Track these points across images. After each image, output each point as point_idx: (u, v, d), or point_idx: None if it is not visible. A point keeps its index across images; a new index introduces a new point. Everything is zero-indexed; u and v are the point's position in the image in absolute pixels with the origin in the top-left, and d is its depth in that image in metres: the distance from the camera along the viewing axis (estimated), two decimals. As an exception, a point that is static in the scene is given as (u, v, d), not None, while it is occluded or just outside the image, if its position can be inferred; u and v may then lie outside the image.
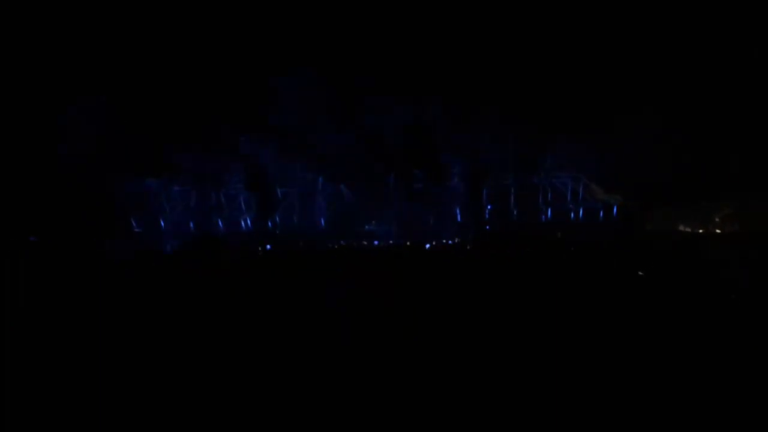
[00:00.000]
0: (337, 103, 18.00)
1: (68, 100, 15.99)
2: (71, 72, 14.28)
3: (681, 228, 19.72)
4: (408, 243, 20.56)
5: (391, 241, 22.17)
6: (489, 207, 23.98)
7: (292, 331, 4.91)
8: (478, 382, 3.74)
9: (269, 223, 26.35)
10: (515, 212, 23.68)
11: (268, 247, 20.55)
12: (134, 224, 24.48)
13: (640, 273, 7.83)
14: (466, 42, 13.84)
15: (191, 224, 25.75)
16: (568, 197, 22.95)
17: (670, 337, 4.47)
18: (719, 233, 18.00)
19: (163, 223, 25.15)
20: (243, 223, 26.52)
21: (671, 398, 3.36)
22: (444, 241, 21.09)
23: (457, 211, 24.46)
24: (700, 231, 18.75)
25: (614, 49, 13.75)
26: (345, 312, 5.69)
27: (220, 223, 26.16)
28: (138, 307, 6.17)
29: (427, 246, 18.26)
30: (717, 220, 19.14)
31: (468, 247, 18.18)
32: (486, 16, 12.71)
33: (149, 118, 16.37)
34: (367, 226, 25.86)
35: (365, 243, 22.26)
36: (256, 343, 4.60)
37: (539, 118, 18.29)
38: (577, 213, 22.82)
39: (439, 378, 3.81)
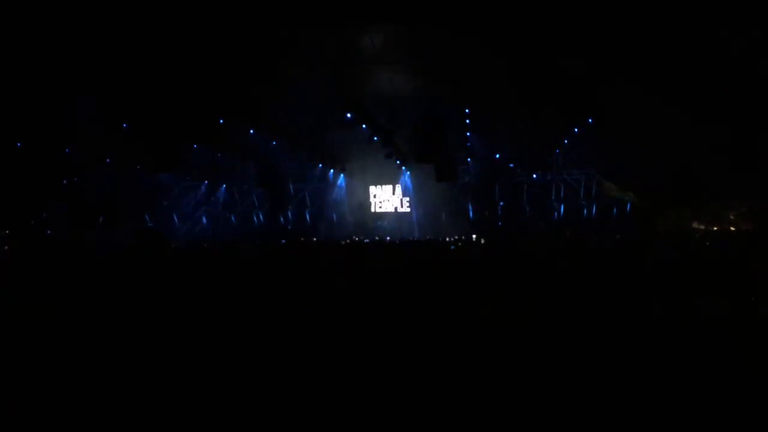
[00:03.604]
0: (348, 100, 18.02)
1: (81, 99, 16.15)
2: (85, 71, 14.41)
3: (695, 225, 19.57)
4: (419, 239, 20.59)
5: (402, 237, 22.20)
6: (501, 203, 23.97)
7: (300, 328, 4.93)
8: (483, 381, 3.75)
9: (281, 219, 26.53)
10: (528, 209, 23.65)
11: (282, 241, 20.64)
12: (147, 219, 24.77)
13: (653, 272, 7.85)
14: (476, 38, 13.79)
15: (204, 219, 26.02)
16: (581, 194, 22.88)
17: (682, 338, 4.46)
18: (733, 231, 17.84)
19: (176, 218, 25.42)
20: (255, 218, 26.72)
21: (680, 399, 3.36)
22: (456, 237, 21.09)
23: (470, 207, 24.47)
24: (714, 229, 18.60)
25: (628, 49, 13.65)
26: (354, 309, 5.72)
27: (232, 218, 26.38)
28: (135, 299, 6.22)
29: (440, 242, 18.30)
30: (731, 217, 18.97)
31: (481, 242, 18.19)
32: (500, 15, 12.67)
33: (163, 116, 16.48)
34: (378, 222, 25.95)
35: (377, 239, 22.31)
36: (257, 339, 4.63)
37: (552, 116, 18.23)
38: (590, 210, 22.75)
39: (448, 376, 3.82)
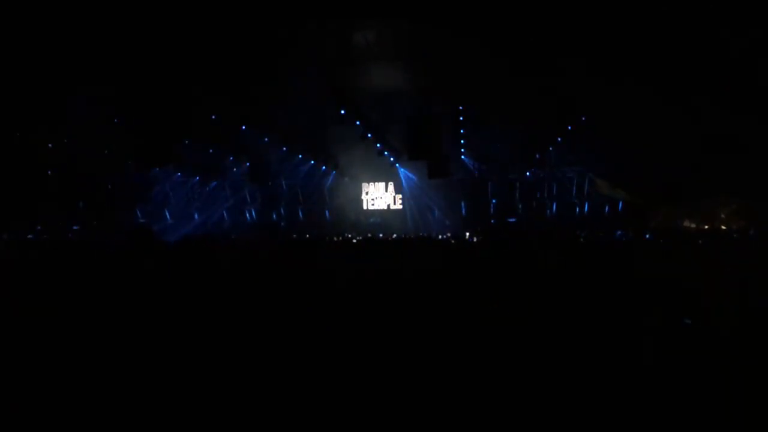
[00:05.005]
0: (341, 97, 17.99)
1: (76, 95, 16.02)
2: (80, 67, 14.30)
3: (686, 224, 19.68)
4: (412, 236, 20.59)
5: (395, 234, 22.20)
6: (494, 201, 24.04)
7: (292, 326, 4.92)
8: (479, 379, 3.75)
9: (273, 215, 26.46)
10: (520, 206, 23.73)
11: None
12: (139, 214, 24.66)
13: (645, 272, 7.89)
14: (471, 36, 13.80)
15: (195, 215, 25.90)
16: (574, 192, 22.97)
17: (675, 337, 4.48)
18: (725, 229, 17.96)
19: (168, 214, 25.30)
20: (248, 214, 26.62)
21: (676, 399, 3.38)
22: (448, 234, 21.11)
23: (462, 204, 24.52)
24: (706, 227, 18.70)
25: (623, 47, 13.70)
26: (347, 306, 5.71)
27: (225, 215, 26.27)
28: (132, 298, 6.18)
29: (433, 238, 18.33)
30: (723, 216, 19.08)
31: (474, 240, 18.23)
32: (496, 13, 12.70)
33: (156, 112, 16.38)
34: (371, 219, 25.95)
35: (369, 235, 22.29)
36: (256, 339, 4.60)
37: (546, 114, 18.29)
38: (582, 208, 22.85)
39: (441, 375, 3.82)
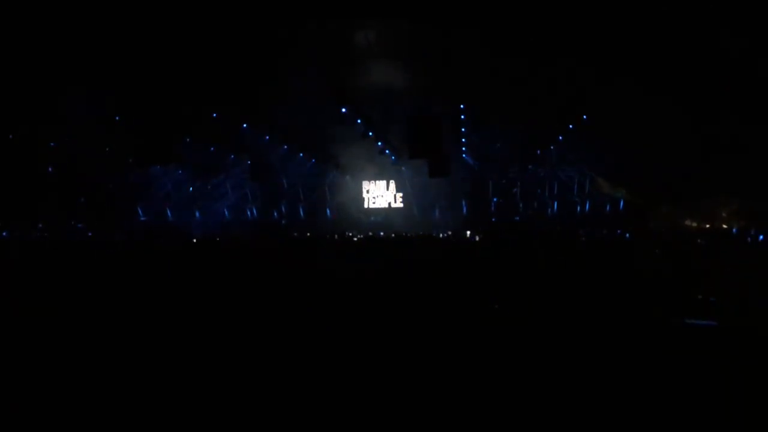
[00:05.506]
0: (342, 96, 17.99)
1: (76, 94, 16.01)
2: (80, 66, 14.31)
3: (687, 223, 19.69)
4: (413, 234, 20.59)
5: (394, 234, 22.19)
6: (495, 200, 24.04)
7: (292, 325, 4.93)
8: (480, 378, 3.77)
9: (275, 214, 26.43)
10: (521, 205, 23.72)
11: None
12: (140, 212, 24.67)
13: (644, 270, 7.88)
14: (472, 35, 13.79)
15: (197, 213, 25.88)
16: (574, 191, 22.96)
17: (675, 337, 4.49)
18: (725, 229, 17.94)
19: (169, 213, 25.29)
20: (249, 212, 26.58)
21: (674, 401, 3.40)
22: (450, 232, 21.12)
23: (464, 203, 24.51)
24: (706, 227, 18.70)
25: (623, 47, 13.69)
26: (347, 305, 5.72)
27: (225, 212, 26.23)
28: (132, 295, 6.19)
29: (434, 237, 18.33)
30: (723, 216, 19.07)
31: (475, 239, 18.25)
32: (497, 13, 12.69)
33: (157, 110, 16.38)
34: (372, 217, 25.94)
35: (371, 234, 22.29)
36: (252, 338, 4.61)
37: (546, 113, 18.28)
38: (582, 207, 22.84)
39: (442, 374, 3.84)
